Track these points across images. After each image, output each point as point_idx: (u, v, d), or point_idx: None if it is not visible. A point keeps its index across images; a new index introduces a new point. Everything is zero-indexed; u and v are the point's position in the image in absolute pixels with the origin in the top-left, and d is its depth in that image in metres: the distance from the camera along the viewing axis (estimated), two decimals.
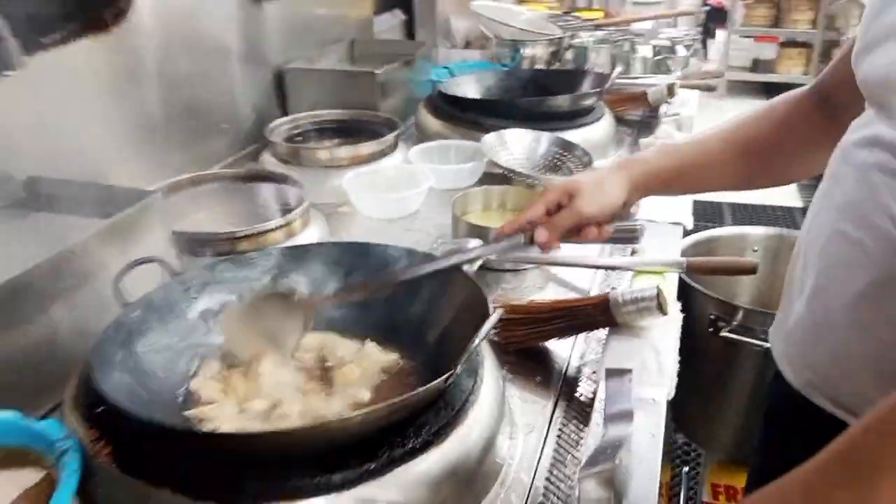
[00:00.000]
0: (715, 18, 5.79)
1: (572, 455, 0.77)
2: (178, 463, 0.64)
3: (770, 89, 5.35)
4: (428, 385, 0.65)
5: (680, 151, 0.91)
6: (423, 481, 0.66)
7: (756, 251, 1.45)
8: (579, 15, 2.42)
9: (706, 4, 5.17)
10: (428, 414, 0.70)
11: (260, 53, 1.61)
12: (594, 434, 0.74)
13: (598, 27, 2.17)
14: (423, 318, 0.87)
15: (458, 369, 0.67)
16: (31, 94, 1.05)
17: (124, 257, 0.89)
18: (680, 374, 1.41)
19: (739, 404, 1.30)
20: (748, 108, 0.91)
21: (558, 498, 0.72)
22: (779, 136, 0.86)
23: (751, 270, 0.98)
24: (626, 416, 0.71)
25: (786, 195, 3.58)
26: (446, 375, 0.66)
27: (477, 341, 0.68)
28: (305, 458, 0.64)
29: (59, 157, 1.11)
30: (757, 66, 5.53)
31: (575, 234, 0.88)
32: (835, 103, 0.78)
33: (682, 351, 1.33)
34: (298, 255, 0.93)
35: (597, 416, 0.76)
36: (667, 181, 0.90)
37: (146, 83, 1.29)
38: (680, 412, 1.41)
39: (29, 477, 0.69)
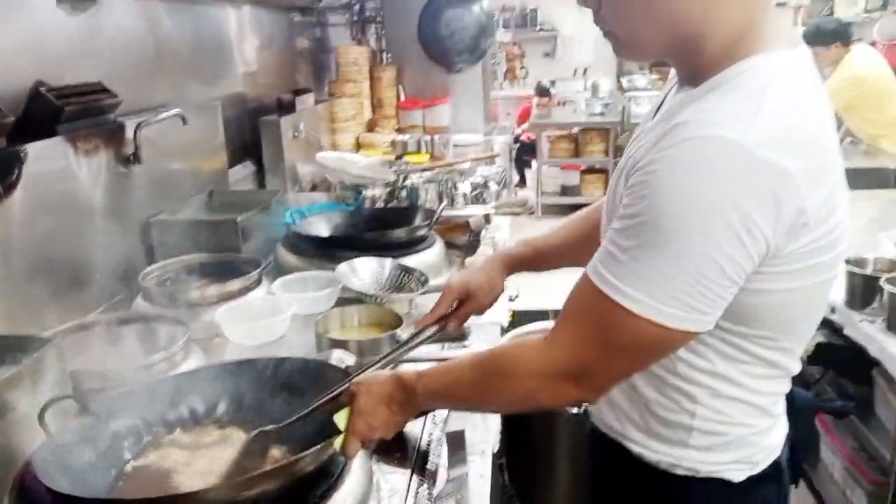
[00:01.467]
0: (529, 151, 6.68)
1: None
2: None
3: (578, 209, 6.17)
4: (311, 450, 0.86)
5: (535, 242, 1.28)
6: None
7: None
8: (409, 160, 2.83)
9: (517, 141, 6.00)
10: (313, 482, 0.91)
11: (126, 209, 1.80)
12: (441, 480, 0.98)
13: (425, 170, 2.58)
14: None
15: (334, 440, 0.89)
16: None
17: (33, 396, 1.03)
18: (514, 449, 1.69)
19: (563, 465, 1.59)
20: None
21: None
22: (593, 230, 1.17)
23: None
24: (462, 461, 0.96)
25: None
26: (324, 443, 0.88)
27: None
28: None
29: None
30: (565, 190, 6.41)
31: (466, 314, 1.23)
32: None
33: (512, 426, 1.62)
34: (191, 379, 1.12)
35: (442, 471, 1.00)
36: (530, 263, 1.27)
37: (25, 245, 1.43)
38: (519, 483, 1.67)
39: None
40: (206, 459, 0.99)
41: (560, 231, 1.28)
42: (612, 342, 0.80)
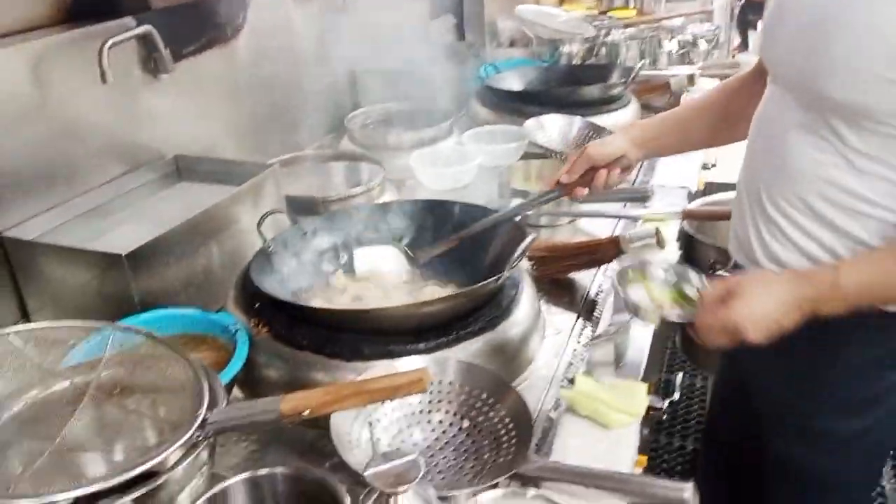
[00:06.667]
0: (756, 11, 5.91)
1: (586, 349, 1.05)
2: (314, 333, 0.94)
3: None
4: (484, 282, 0.94)
5: (663, 119, 1.18)
6: (480, 353, 0.95)
7: None
8: (613, 14, 2.67)
9: None
10: (484, 309, 0.99)
11: (336, 57, 1.92)
12: (604, 323, 1.01)
13: (628, 25, 2.42)
14: (483, 255, 1.15)
15: (507, 273, 0.95)
16: (175, 92, 1.39)
17: (254, 211, 1.21)
18: None
19: None
20: None
21: (574, 370, 1.00)
22: (728, 102, 1.11)
23: (726, 217, 1.22)
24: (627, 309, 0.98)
25: None
26: (497, 276, 0.94)
27: (518, 253, 0.96)
28: (401, 330, 0.93)
29: (194, 139, 1.44)
30: None
31: (590, 181, 1.15)
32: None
33: None
34: (384, 210, 1.23)
35: (606, 316, 1.04)
36: (654, 139, 1.16)
37: (252, 84, 1.61)
38: (689, 345, 1.66)
39: (209, 352, 1.00)
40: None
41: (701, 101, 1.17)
42: None
